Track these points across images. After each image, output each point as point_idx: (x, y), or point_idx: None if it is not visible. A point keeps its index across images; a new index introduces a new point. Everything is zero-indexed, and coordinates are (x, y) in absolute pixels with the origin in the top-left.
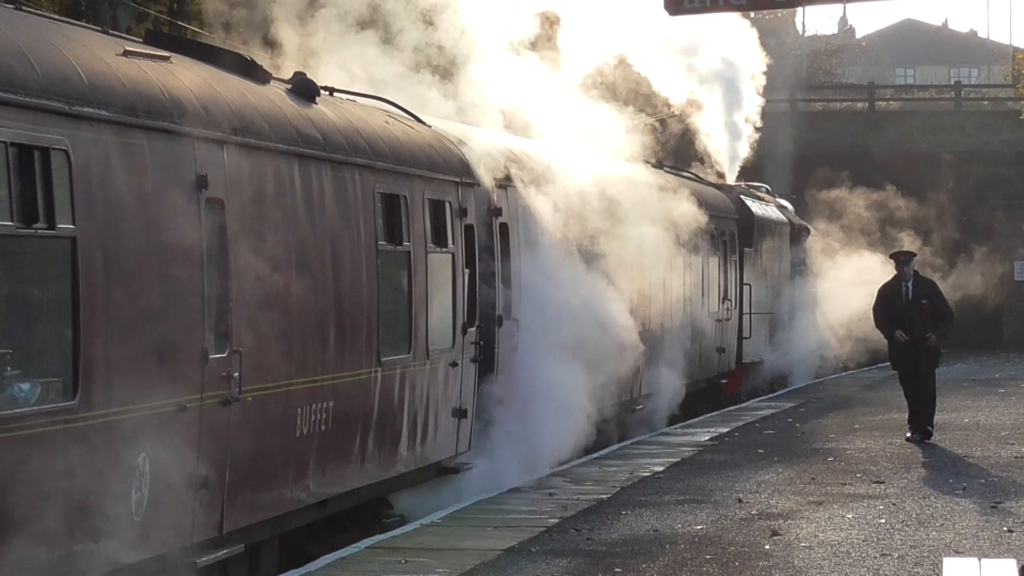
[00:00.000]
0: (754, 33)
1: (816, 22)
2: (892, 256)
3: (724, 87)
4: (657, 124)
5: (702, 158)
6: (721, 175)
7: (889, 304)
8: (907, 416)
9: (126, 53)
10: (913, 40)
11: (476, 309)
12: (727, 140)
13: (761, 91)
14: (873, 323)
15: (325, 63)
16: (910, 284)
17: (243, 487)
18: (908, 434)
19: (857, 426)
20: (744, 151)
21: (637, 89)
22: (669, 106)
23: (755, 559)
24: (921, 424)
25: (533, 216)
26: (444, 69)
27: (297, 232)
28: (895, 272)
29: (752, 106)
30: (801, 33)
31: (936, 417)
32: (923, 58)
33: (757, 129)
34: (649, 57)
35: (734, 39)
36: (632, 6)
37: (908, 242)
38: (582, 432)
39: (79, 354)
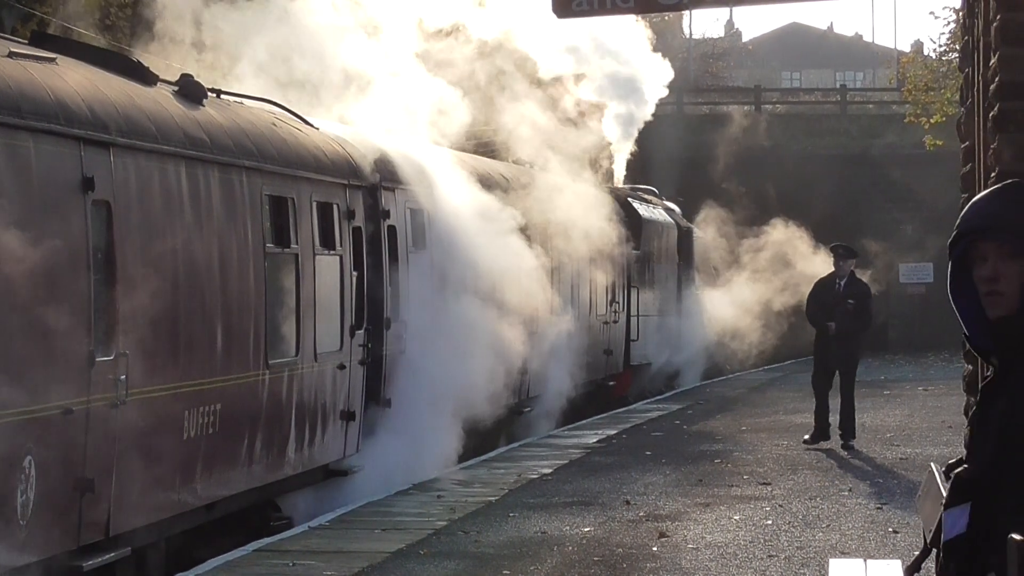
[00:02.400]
0: (646, 34)
1: (703, 25)
2: (831, 248)
3: (619, 89)
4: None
5: (591, 160)
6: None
7: (820, 297)
8: (814, 421)
9: (11, 54)
10: (799, 44)
11: (364, 311)
12: (618, 141)
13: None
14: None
15: (218, 64)
16: (843, 282)
17: (130, 490)
18: (806, 436)
19: (744, 428)
20: (629, 153)
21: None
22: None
23: (643, 561)
24: (843, 430)
25: (421, 218)
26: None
27: (184, 234)
28: (833, 267)
29: (648, 107)
30: (688, 36)
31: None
32: (809, 61)
33: (641, 131)
34: (542, 55)
35: (628, 41)
36: (521, 7)
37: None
38: (470, 434)
39: None
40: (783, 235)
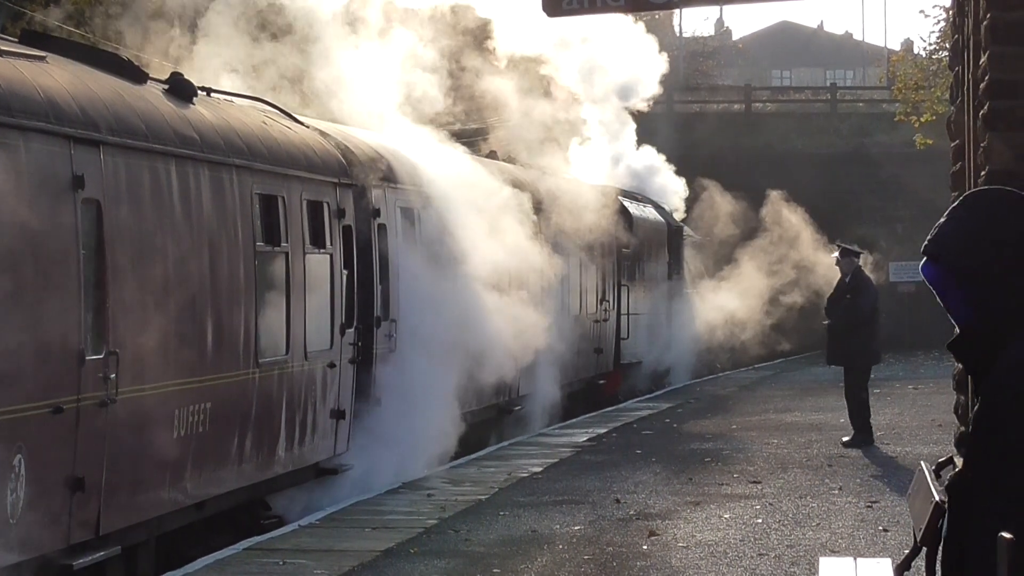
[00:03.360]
0: (640, 30)
1: (693, 24)
2: (835, 245)
3: (613, 88)
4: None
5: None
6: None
7: (833, 294)
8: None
9: (1, 52)
10: (789, 42)
11: (354, 310)
12: (609, 141)
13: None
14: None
15: (209, 63)
16: (847, 279)
17: (120, 488)
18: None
19: (734, 426)
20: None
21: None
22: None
23: (633, 559)
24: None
25: (411, 216)
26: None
27: (174, 233)
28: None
29: (639, 105)
30: (678, 35)
31: (813, 417)
32: (799, 60)
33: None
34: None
35: (621, 40)
36: (512, 7)
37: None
38: (460, 433)
39: None
40: (778, 221)
